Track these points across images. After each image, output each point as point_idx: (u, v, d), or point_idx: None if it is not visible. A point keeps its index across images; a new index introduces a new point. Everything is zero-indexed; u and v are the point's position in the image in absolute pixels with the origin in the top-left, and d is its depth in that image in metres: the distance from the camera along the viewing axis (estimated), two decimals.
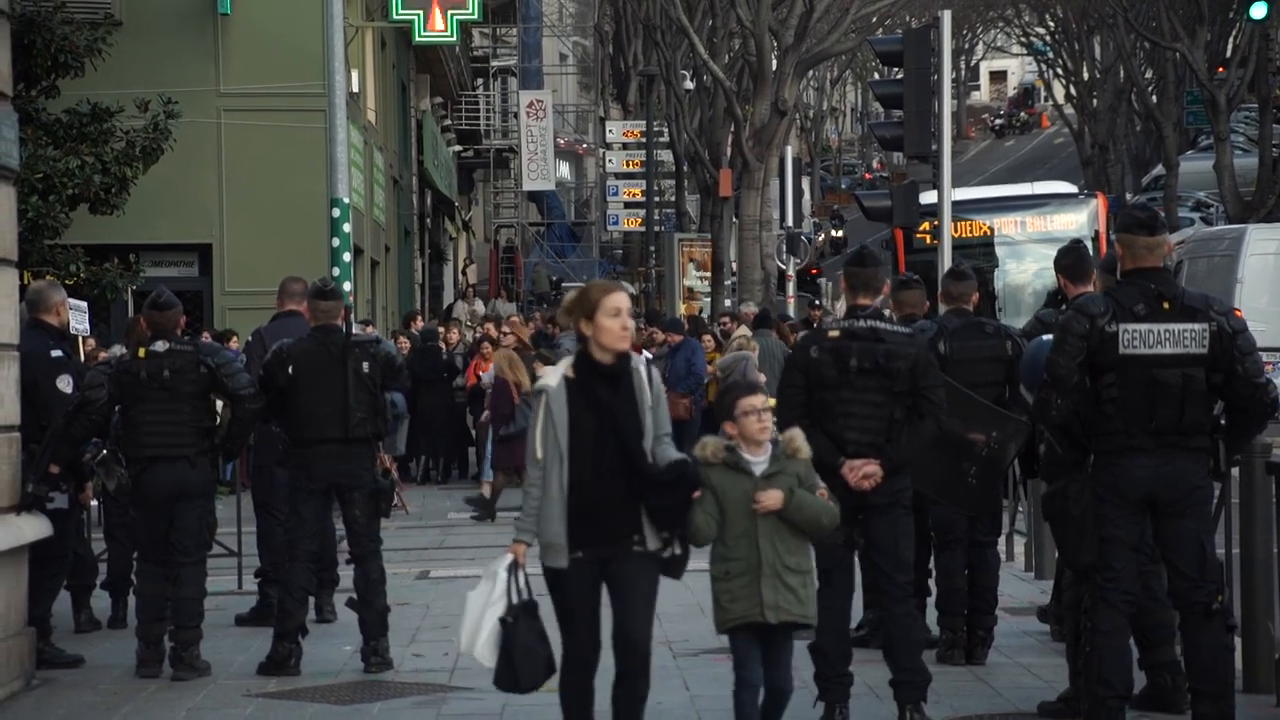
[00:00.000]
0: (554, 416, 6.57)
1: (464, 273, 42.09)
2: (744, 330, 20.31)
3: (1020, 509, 12.77)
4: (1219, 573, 7.28)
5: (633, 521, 6.60)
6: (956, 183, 20.04)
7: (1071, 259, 9.03)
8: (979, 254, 21.42)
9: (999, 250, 21.68)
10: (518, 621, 6.63)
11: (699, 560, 13.48)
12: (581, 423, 6.57)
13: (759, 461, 7.02)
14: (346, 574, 10.26)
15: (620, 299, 6.61)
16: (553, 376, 6.66)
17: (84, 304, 13.76)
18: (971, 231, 21.69)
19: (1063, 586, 8.42)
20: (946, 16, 17.45)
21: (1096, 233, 21.16)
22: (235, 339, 18.53)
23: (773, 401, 6.89)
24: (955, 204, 21.96)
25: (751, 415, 7.00)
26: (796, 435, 7.09)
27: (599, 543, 6.59)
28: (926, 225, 20.10)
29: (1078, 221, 21.88)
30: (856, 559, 7.96)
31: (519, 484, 16.59)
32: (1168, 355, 7.09)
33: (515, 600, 6.63)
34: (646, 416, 6.64)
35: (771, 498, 6.95)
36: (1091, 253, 9.01)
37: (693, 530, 6.82)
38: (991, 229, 21.79)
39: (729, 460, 7.02)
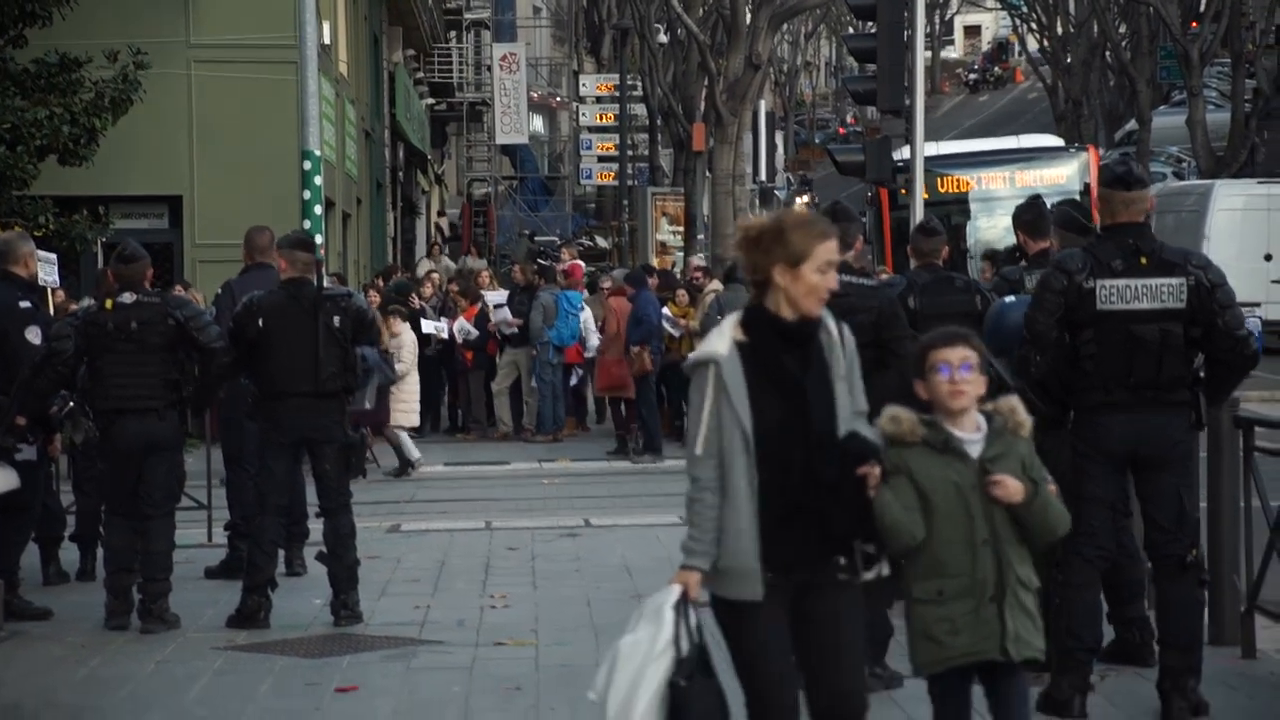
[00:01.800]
0: (729, 395, 4.98)
1: (437, 227, 41.97)
2: (715, 284, 20.30)
3: None
4: (1196, 527, 7.31)
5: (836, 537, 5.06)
6: (930, 137, 19.96)
7: (1032, 214, 9.06)
8: (965, 210, 21.34)
9: (985, 206, 21.56)
10: (692, 683, 4.95)
11: (665, 514, 13.58)
12: (763, 403, 4.99)
13: (973, 440, 5.26)
14: (316, 527, 10.24)
15: (834, 249, 5.09)
16: (720, 341, 5.04)
17: (53, 256, 13.69)
18: (958, 187, 21.54)
19: None
20: None
21: (1087, 186, 20.99)
22: (193, 292, 18.35)
23: (970, 356, 5.21)
24: (940, 158, 21.88)
25: (944, 373, 5.27)
26: (1018, 405, 5.34)
27: (796, 566, 5.00)
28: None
29: (1067, 175, 21.74)
30: None
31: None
32: (1145, 310, 7.08)
33: (687, 651, 4.99)
34: (840, 391, 5.12)
35: (1013, 486, 5.18)
36: (1086, 206, 8.97)
37: (889, 526, 5.06)
38: (978, 184, 21.59)
39: (932, 439, 5.24)
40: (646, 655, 4.95)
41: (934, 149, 22.46)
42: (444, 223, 43.49)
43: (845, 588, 5.05)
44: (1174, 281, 7.10)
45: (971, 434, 5.25)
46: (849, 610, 5.06)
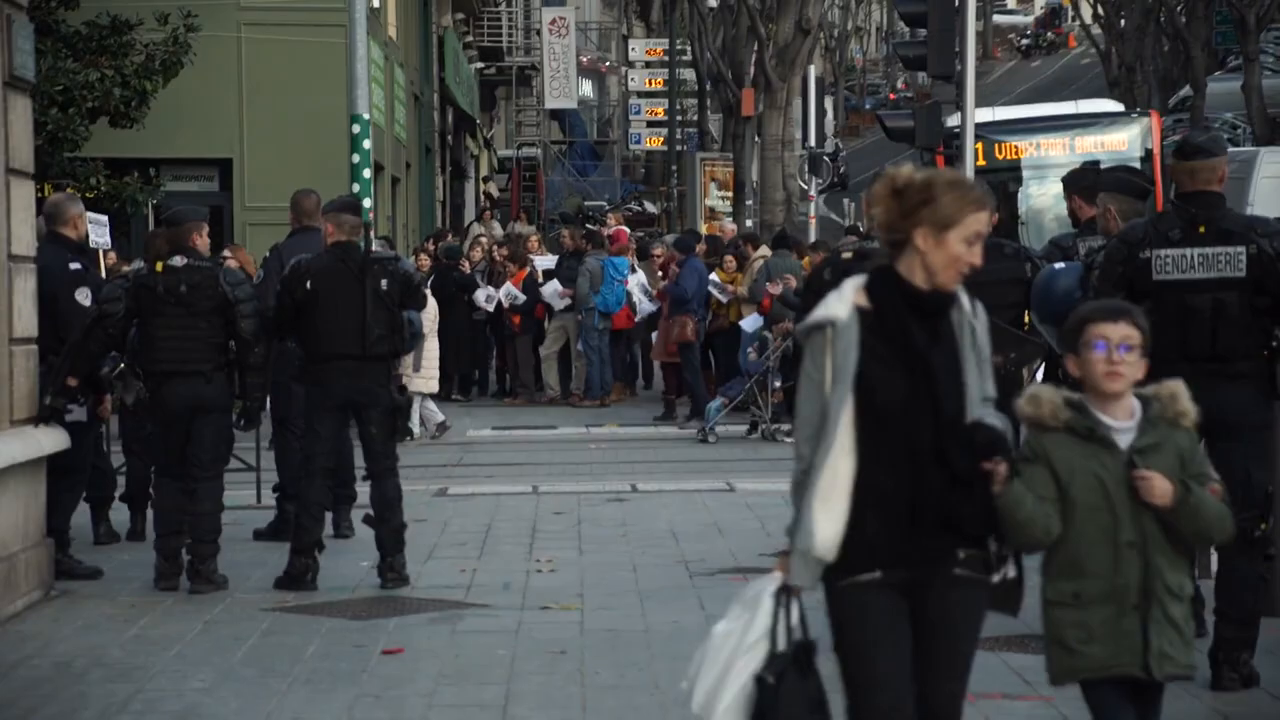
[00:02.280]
0: (845, 365, 4.44)
1: (485, 193, 41.96)
2: (764, 250, 20.23)
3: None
4: (1264, 500, 7.23)
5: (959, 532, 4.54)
6: (982, 104, 19.72)
7: (1084, 179, 9.01)
8: (1021, 176, 20.90)
9: (1042, 172, 21.05)
10: (782, 682, 4.46)
11: (712, 479, 13.55)
12: (884, 378, 4.46)
13: (1124, 428, 4.73)
14: (364, 490, 10.27)
15: (986, 220, 4.54)
16: (839, 304, 4.51)
17: (104, 218, 13.75)
18: (1015, 153, 20.93)
19: None
20: None
21: (1149, 152, 20.52)
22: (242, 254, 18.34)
23: (1131, 335, 4.75)
24: (997, 124, 21.44)
25: (1100, 350, 4.73)
26: (1180, 392, 4.80)
27: (910, 561, 4.48)
28: (978, 146, 19.81)
29: (1128, 140, 21.24)
30: None
31: None
32: (1199, 280, 6.99)
33: (782, 646, 4.50)
34: (970, 373, 4.59)
35: (1159, 485, 4.66)
36: (1146, 173, 8.85)
37: (1019, 522, 4.55)
38: (1036, 149, 21.03)
39: (1076, 424, 4.73)
40: (737, 647, 4.52)
41: (990, 115, 21.95)
42: (492, 188, 43.48)
43: (967, 587, 4.52)
44: (1232, 250, 7.00)
45: (1124, 421, 4.72)
46: (968, 613, 4.54)
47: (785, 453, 16.04)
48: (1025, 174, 20.90)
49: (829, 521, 4.41)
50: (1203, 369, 6.94)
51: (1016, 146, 20.88)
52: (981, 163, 19.73)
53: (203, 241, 9.72)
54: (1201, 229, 7.03)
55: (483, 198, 41.95)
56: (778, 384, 16.87)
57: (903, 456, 4.45)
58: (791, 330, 16.85)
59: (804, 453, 4.50)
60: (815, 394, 4.48)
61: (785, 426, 16.54)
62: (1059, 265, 8.28)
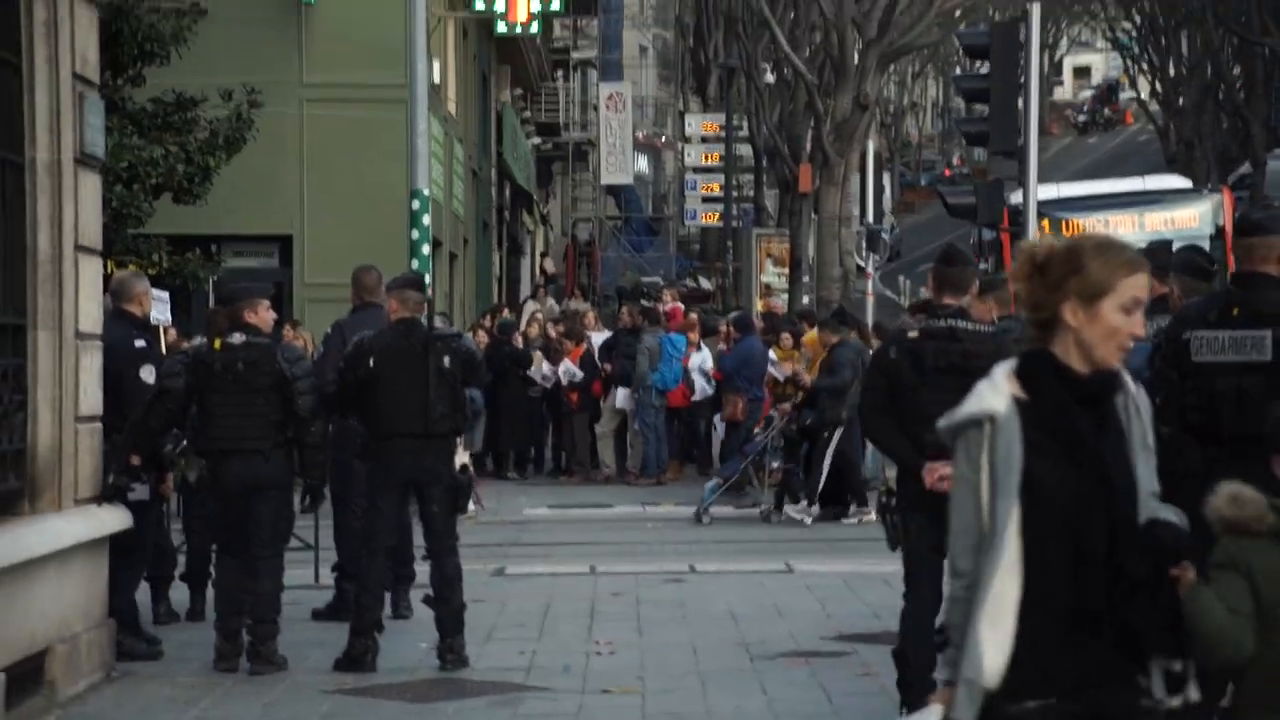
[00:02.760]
0: (1004, 463, 3.94)
1: (541, 270, 42.12)
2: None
3: None
4: None
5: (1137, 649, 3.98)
6: (1040, 180, 19.68)
7: (1160, 258, 8.91)
8: None
9: None
10: None
11: (770, 560, 13.43)
12: (1052, 477, 3.93)
13: None
14: (423, 570, 10.22)
15: (1144, 284, 4.07)
16: (994, 395, 4.02)
17: (165, 294, 13.82)
18: (1082, 230, 20.95)
19: None
20: (1035, 9, 17.20)
21: (1220, 229, 20.01)
22: (300, 332, 18.43)
23: None
24: (1063, 201, 21.22)
25: None
26: None
27: (1087, 682, 3.92)
28: (1045, 223, 19.41)
29: (1200, 216, 20.75)
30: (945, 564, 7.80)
31: None
32: (1227, 364, 6.89)
33: None
34: (1141, 465, 4.06)
35: None
36: (1216, 252, 8.70)
37: (1206, 633, 4.03)
38: (1105, 226, 20.31)
39: None
40: None
41: (1055, 191, 21.73)
42: (548, 264, 43.64)
43: (1148, 717, 3.94)
44: (1257, 334, 6.89)
45: None
46: None
47: (845, 534, 15.95)
48: None
49: (998, 647, 3.86)
50: (1236, 450, 6.84)
51: (1083, 223, 20.46)
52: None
53: (264, 316, 9.71)
54: (1235, 311, 6.94)
55: (539, 274, 42.12)
56: (775, 464, 16.76)
57: (1073, 564, 3.90)
58: (789, 412, 16.77)
59: (963, 567, 3.96)
60: (971, 499, 3.96)
61: (792, 509, 16.41)
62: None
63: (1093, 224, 20.45)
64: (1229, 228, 19.97)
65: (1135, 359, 7.73)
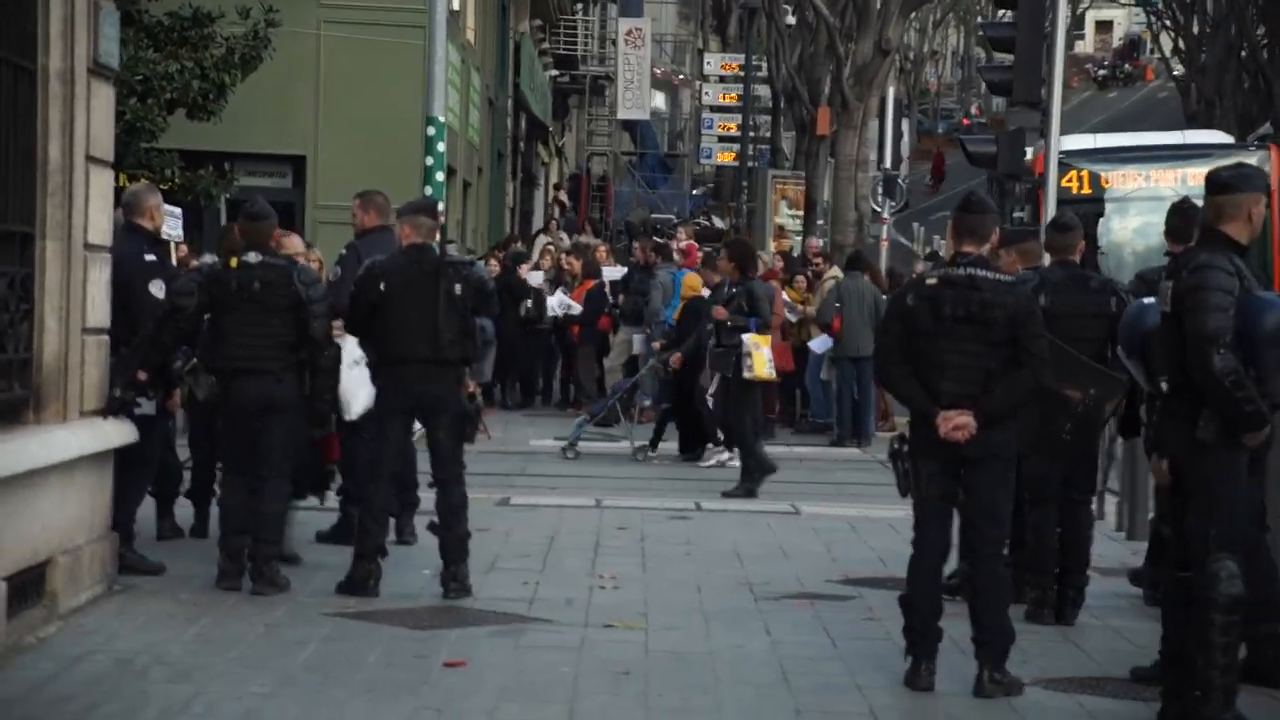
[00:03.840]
0: None
1: (557, 200, 41.91)
2: (835, 271, 20.07)
3: (1114, 467, 12.50)
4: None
5: None
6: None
7: (1177, 217, 8.86)
8: (1129, 208, 19.95)
9: (1155, 205, 19.61)
10: None
11: (777, 501, 13.37)
12: None
13: None
14: (428, 497, 10.17)
15: None
16: None
17: (178, 210, 13.73)
18: (1124, 182, 19.78)
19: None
20: None
21: (1267, 187, 19.64)
22: (312, 253, 18.24)
23: None
24: (1103, 151, 20.54)
25: None
26: None
27: None
28: (1073, 174, 18.94)
29: None
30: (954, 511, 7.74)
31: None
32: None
33: None
34: None
35: None
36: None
37: None
38: (1147, 180, 19.86)
39: None
40: None
41: (1091, 141, 21.18)
42: (563, 197, 43.44)
43: None
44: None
45: None
46: None
47: (851, 476, 15.90)
48: (1132, 206, 19.94)
49: None
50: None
51: (1123, 176, 19.88)
52: (1087, 190, 18.96)
53: (291, 243, 9.64)
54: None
55: (552, 205, 41.94)
56: (646, 403, 16.57)
57: None
58: (664, 350, 16.60)
59: None
60: None
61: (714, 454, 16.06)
62: (1148, 300, 8.09)
63: (1133, 177, 19.93)
64: (1276, 185, 19.41)
65: (1157, 314, 7.68)
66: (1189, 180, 19.16)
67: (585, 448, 16.83)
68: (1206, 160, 20.17)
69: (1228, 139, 23.57)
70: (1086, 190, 19.16)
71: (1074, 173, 19.20)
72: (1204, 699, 6.74)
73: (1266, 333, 6.75)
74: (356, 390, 9.83)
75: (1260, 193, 7.06)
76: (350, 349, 9.82)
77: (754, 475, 14.14)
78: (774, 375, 14.74)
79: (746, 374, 14.23)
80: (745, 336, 14.29)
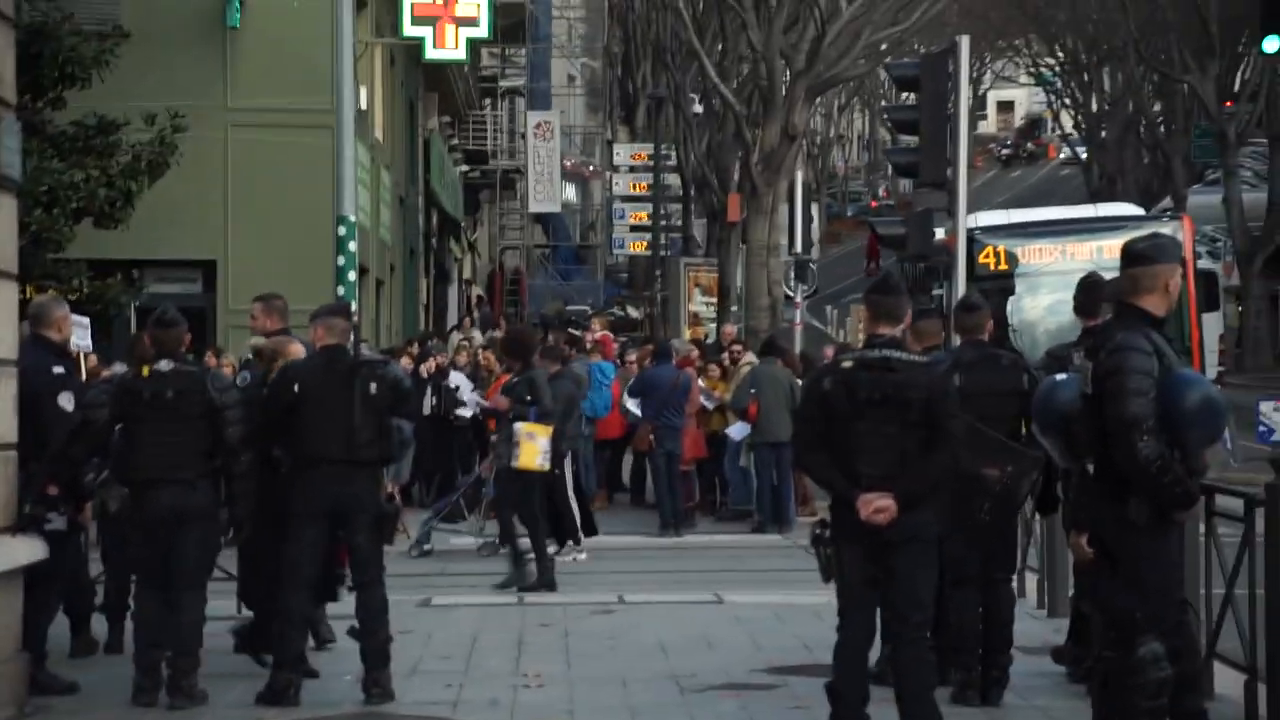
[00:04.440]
0: None
1: (479, 296, 41.91)
2: (750, 357, 20.12)
3: (1032, 545, 12.54)
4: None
5: None
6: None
7: (1081, 292, 8.98)
8: (1039, 284, 19.89)
9: (1069, 280, 19.22)
10: None
11: (696, 591, 13.30)
12: None
13: None
14: (346, 601, 10.04)
15: None
16: None
17: (86, 320, 13.57)
18: (1040, 257, 19.71)
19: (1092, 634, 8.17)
20: (964, 42, 17.23)
21: (1183, 258, 19.52)
22: (225, 359, 18.13)
23: None
24: (1019, 226, 20.49)
25: None
26: None
27: None
28: (990, 250, 18.98)
29: None
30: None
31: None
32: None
33: None
34: None
35: None
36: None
37: None
38: (1063, 255, 19.74)
39: None
40: None
41: (1004, 217, 21.20)
42: (477, 292, 43.45)
43: None
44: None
45: None
46: None
47: (773, 563, 15.86)
48: (1047, 280, 19.38)
49: None
50: None
51: (1039, 250, 19.77)
52: (1004, 267, 18.88)
53: (293, 349, 9.62)
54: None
55: (466, 301, 41.92)
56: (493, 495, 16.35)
57: None
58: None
59: None
60: None
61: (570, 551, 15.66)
62: (1060, 376, 8.13)
63: (1049, 251, 19.86)
64: (1189, 254, 19.16)
65: (1069, 390, 7.73)
66: (1104, 253, 19.11)
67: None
68: (1121, 232, 19.83)
69: (1139, 211, 23.64)
70: (1003, 266, 19.11)
71: (990, 248, 19.22)
72: None
73: (1188, 413, 6.78)
74: None
75: (1176, 263, 7.07)
76: None
77: (520, 565, 13.92)
78: (545, 466, 14.13)
79: (513, 463, 14.03)
80: (518, 425, 14.07)
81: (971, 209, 19.13)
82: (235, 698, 9.24)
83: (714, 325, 35.69)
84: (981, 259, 18.99)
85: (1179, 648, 7.16)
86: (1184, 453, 6.79)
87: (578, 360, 20.05)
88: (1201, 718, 7.69)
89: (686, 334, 32.80)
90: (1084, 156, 54.29)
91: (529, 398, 14.20)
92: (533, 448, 13.93)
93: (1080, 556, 7.89)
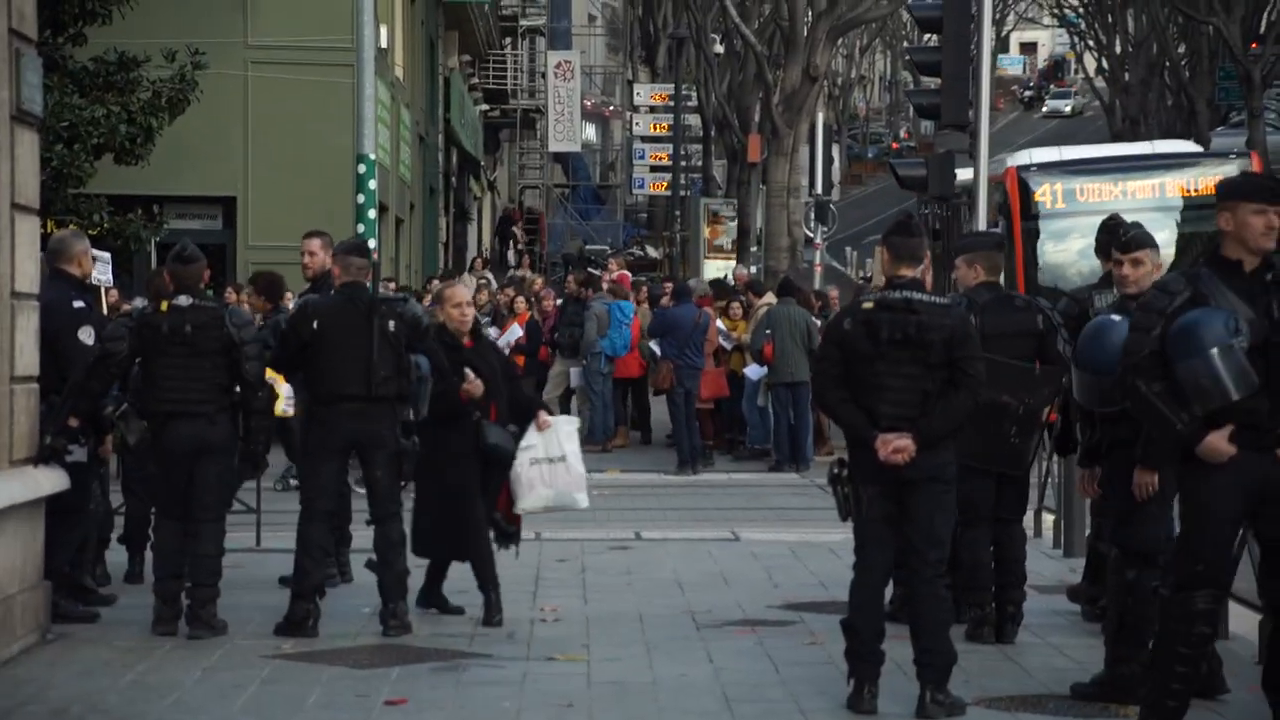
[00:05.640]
0: None
1: (513, 235, 41.92)
2: (769, 298, 20.12)
3: (1051, 485, 12.58)
4: None
5: None
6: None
7: (1101, 234, 8.98)
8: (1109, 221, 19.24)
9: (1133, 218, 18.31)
10: None
11: (717, 528, 13.37)
12: None
13: None
14: (365, 535, 10.11)
15: None
16: None
17: (107, 255, 13.63)
18: (1100, 196, 18.57)
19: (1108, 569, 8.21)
20: None
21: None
22: (243, 295, 18.13)
23: None
24: (1075, 164, 19.41)
25: None
26: None
27: None
28: (1046, 188, 18.25)
29: None
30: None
31: None
32: None
33: None
34: None
35: None
36: None
37: None
38: (1124, 194, 18.64)
39: None
40: None
41: (1057, 154, 20.19)
42: (519, 231, 43.36)
43: None
44: None
45: None
46: None
47: (790, 502, 15.92)
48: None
49: None
50: None
51: (1098, 189, 18.82)
52: (1061, 205, 18.22)
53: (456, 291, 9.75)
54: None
55: (492, 242, 41.85)
56: None
57: None
58: None
59: None
60: None
61: None
62: (1115, 317, 8.00)
63: (1110, 190, 18.91)
64: None
65: (1113, 335, 7.68)
66: (1166, 190, 18.56)
67: None
68: (1185, 169, 18.98)
69: (1198, 148, 22.27)
70: (1060, 205, 18.34)
71: (1046, 186, 18.56)
72: (1151, 713, 6.78)
73: (1167, 343, 6.72)
74: (533, 484, 9.72)
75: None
76: (536, 444, 9.71)
77: None
78: (289, 412, 13.73)
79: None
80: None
81: (992, 151, 18.95)
82: (254, 628, 9.32)
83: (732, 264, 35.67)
84: (1037, 197, 18.29)
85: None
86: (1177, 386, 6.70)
87: (597, 299, 20.08)
88: (1212, 653, 7.73)
89: (707, 274, 32.75)
90: (1070, 105, 53.93)
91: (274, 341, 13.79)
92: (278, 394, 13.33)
93: (1089, 494, 7.93)
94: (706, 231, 37.28)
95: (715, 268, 34.36)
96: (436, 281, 24.21)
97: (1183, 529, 6.84)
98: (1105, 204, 17.98)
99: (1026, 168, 18.61)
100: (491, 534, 9.82)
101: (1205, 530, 6.72)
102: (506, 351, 20.58)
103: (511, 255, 36.12)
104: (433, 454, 9.57)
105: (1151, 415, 6.75)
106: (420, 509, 9.79)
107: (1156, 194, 18.55)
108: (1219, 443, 6.58)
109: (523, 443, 9.75)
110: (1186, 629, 6.69)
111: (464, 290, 10.11)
